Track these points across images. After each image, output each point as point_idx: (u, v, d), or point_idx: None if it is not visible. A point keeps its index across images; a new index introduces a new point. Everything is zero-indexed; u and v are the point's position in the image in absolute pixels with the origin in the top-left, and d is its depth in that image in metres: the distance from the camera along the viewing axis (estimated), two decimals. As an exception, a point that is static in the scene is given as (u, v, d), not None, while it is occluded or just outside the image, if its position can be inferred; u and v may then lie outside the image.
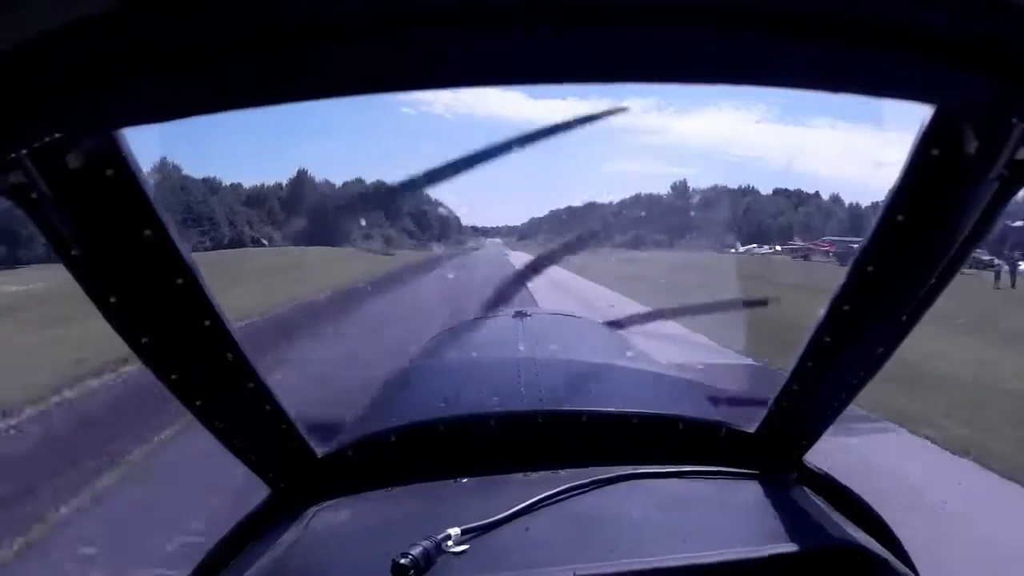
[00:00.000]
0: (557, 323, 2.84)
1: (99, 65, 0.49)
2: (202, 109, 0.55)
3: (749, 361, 6.93)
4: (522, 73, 0.57)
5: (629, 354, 2.30)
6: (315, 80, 0.54)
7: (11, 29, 0.46)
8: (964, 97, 0.57)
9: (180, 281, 0.81)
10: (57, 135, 0.59)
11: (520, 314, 2.64)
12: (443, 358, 2.33)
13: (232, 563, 1.13)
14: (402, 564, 0.87)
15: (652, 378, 1.95)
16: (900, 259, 0.84)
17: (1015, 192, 0.74)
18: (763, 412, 1.24)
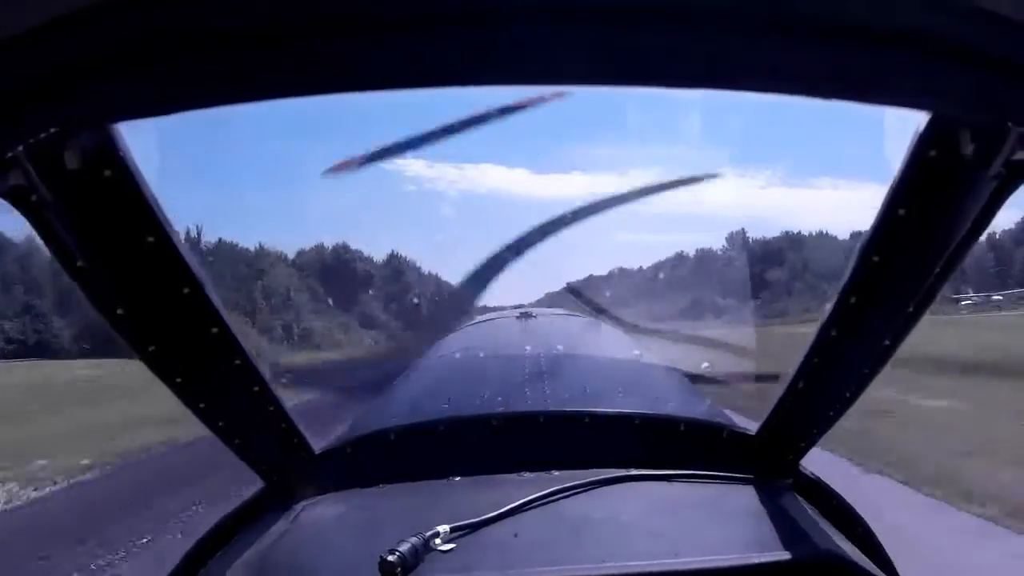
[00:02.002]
0: (561, 322, 2.84)
1: (95, 57, 0.49)
2: (198, 103, 0.55)
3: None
4: (525, 73, 0.56)
5: (635, 353, 2.30)
6: (312, 76, 0.53)
7: (5, 22, 0.46)
8: (959, 102, 0.56)
9: (185, 287, 0.80)
10: (53, 129, 0.59)
11: (525, 314, 2.65)
12: (448, 358, 2.34)
13: (219, 554, 1.14)
14: (389, 561, 0.87)
15: (655, 378, 1.95)
16: (898, 259, 0.84)
17: (1011, 192, 0.73)
18: (764, 412, 1.23)
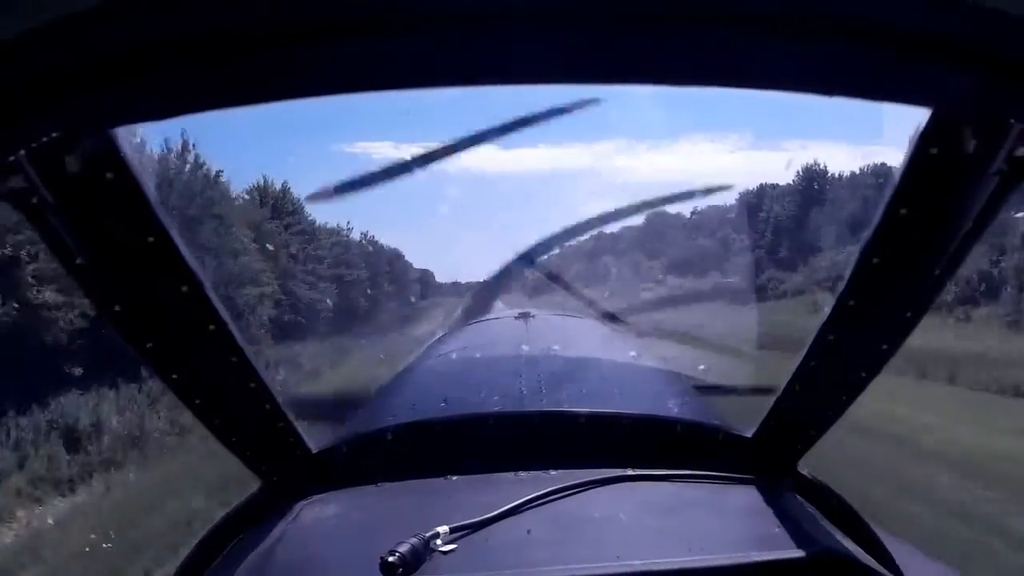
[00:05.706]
0: (560, 324, 2.85)
1: (95, 62, 0.49)
2: (199, 107, 0.55)
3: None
4: (520, 73, 0.56)
5: (632, 355, 2.30)
6: (313, 78, 0.53)
7: (5, 26, 0.46)
8: (961, 98, 0.57)
9: (184, 286, 0.81)
10: (55, 134, 0.59)
11: (524, 315, 2.66)
12: (446, 357, 2.34)
13: (221, 555, 1.13)
14: (390, 562, 0.87)
15: (652, 380, 1.95)
16: (902, 257, 0.84)
17: (1014, 189, 0.73)
18: (761, 415, 1.23)
